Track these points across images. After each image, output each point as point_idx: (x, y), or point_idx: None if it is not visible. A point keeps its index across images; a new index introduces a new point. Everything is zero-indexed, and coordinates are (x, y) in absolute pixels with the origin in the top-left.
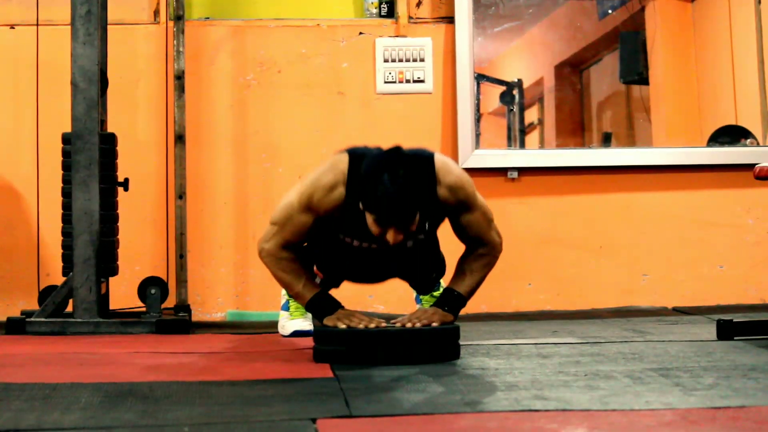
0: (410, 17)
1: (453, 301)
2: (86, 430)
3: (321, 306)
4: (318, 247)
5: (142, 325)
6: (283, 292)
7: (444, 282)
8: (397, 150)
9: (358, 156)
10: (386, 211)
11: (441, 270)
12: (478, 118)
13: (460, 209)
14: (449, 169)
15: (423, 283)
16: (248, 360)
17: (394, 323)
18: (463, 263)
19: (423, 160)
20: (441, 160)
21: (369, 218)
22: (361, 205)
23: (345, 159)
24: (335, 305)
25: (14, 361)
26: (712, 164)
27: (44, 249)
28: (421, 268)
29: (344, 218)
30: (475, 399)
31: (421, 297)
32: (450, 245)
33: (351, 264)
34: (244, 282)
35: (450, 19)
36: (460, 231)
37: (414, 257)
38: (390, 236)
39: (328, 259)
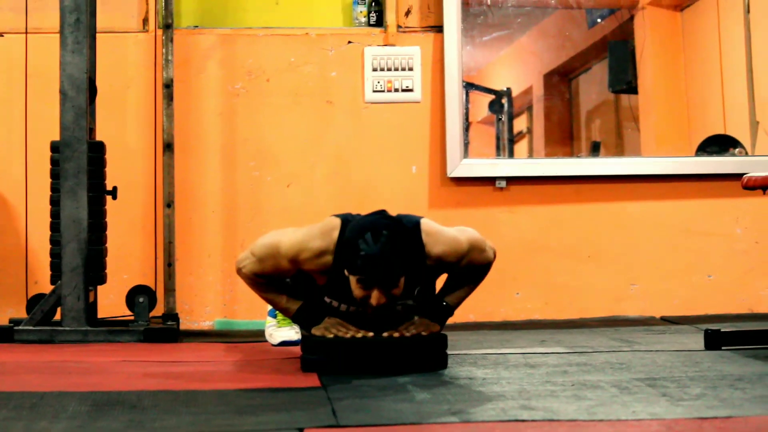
0: (399, 26)
1: (441, 311)
2: None
3: (307, 317)
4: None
5: (130, 333)
6: None
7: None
8: (381, 212)
9: (347, 222)
10: (368, 270)
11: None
12: (466, 127)
13: (453, 265)
14: (436, 237)
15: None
16: (236, 369)
17: (382, 332)
18: (454, 273)
19: (409, 227)
20: (427, 228)
21: (353, 282)
22: (345, 271)
23: (338, 226)
24: (321, 314)
25: (2, 369)
26: (700, 174)
27: (32, 257)
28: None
29: (330, 284)
30: (462, 409)
31: None
32: None
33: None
34: (232, 291)
35: (439, 28)
36: (456, 271)
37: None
38: (374, 298)
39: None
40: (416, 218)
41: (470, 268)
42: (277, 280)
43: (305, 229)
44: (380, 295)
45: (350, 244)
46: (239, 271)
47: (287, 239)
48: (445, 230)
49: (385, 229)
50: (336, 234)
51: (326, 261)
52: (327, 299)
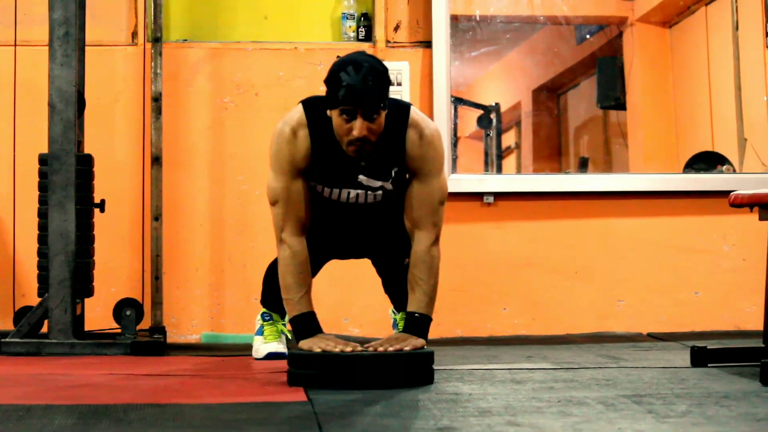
0: (388, 41)
1: (418, 323)
2: None
3: (304, 325)
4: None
5: (117, 346)
6: (258, 317)
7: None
8: (361, 51)
9: (311, 101)
10: (350, 94)
11: (408, 247)
12: (454, 142)
13: (420, 167)
14: (425, 119)
15: (392, 266)
16: (223, 383)
17: (368, 347)
18: (409, 280)
19: (399, 102)
20: (418, 111)
21: (335, 118)
22: (328, 112)
23: (299, 107)
24: (316, 329)
25: None
26: (688, 191)
27: (20, 269)
28: (389, 237)
29: (314, 163)
30: (448, 424)
31: (397, 321)
32: None
33: (324, 224)
34: (219, 304)
35: (427, 44)
36: (410, 201)
37: (384, 219)
38: (356, 128)
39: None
40: (408, 102)
41: (419, 209)
42: (308, 268)
43: (273, 139)
44: (363, 124)
45: (331, 78)
46: (282, 242)
47: (271, 163)
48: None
49: (366, 62)
50: (300, 110)
51: (304, 136)
52: (313, 184)
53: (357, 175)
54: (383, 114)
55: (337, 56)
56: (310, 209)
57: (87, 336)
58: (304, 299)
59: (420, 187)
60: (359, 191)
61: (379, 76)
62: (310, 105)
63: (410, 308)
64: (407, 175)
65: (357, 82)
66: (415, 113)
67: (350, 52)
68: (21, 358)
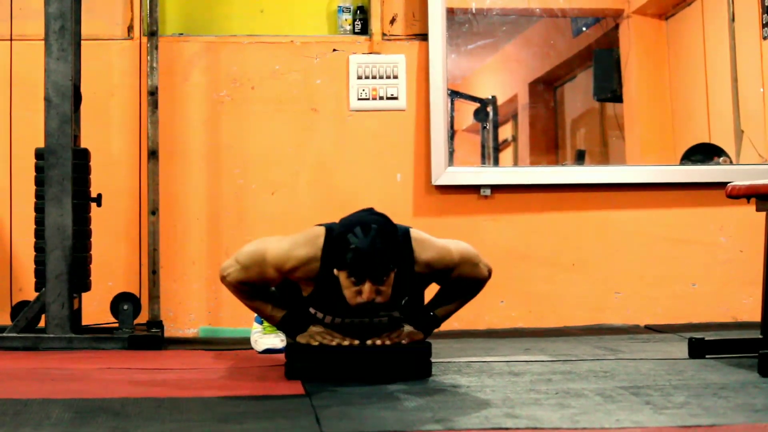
0: (384, 34)
1: (428, 321)
2: None
3: (292, 325)
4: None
5: (115, 340)
6: None
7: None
8: (369, 209)
9: (335, 236)
10: (358, 262)
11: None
12: (451, 135)
13: (443, 274)
14: (425, 245)
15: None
16: (220, 376)
17: (366, 340)
18: (447, 286)
19: (399, 229)
20: (417, 236)
21: (343, 279)
22: (335, 271)
23: (322, 234)
24: (306, 323)
25: None
26: (685, 182)
27: (17, 264)
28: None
29: (316, 293)
30: (446, 416)
31: None
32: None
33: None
34: (216, 298)
35: (423, 36)
36: (451, 283)
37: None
38: (364, 292)
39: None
40: (406, 227)
41: (461, 281)
42: (261, 288)
43: (290, 238)
44: (371, 289)
45: (340, 239)
46: (223, 279)
47: (273, 248)
48: (436, 239)
49: (374, 224)
50: (321, 241)
51: (313, 268)
52: (312, 310)
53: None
54: (392, 275)
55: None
56: (264, 287)
57: (84, 330)
58: (276, 307)
59: (455, 274)
60: (364, 319)
61: (388, 238)
62: (331, 241)
63: (432, 306)
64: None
65: (365, 246)
66: (416, 245)
67: (357, 211)
68: (18, 352)
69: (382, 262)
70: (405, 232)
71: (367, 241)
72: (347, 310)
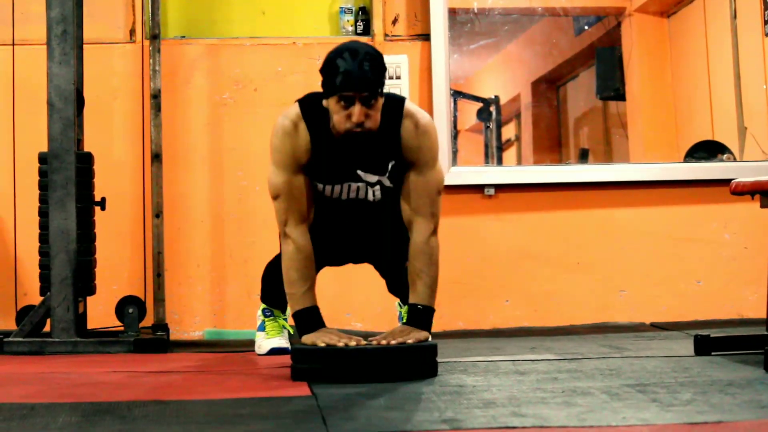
0: (386, 35)
1: (420, 315)
2: None
3: (308, 319)
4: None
5: (120, 344)
6: (259, 312)
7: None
8: (355, 40)
9: (306, 98)
10: (348, 79)
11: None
12: (454, 135)
13: (416, 158)
14: (419, 110)
15: (395, 269)
16: (226, 379)
17: (371, 341)
18: (410, 273)
19: (394, 95)
20: (412, 103)
21: (332, 105)
22: (324, 102)
23: (294, 104)
24: (319, 323)
25: None
26: (689, 180)
27: (21, 268)
28: (389, 237)
29: (313, 159)
30: (452, 416)
31: (402, 314)
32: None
33: (324, 228)
34: (221, 300)
35: (426, 37)
36: (407, 192)
37: (382, 218)
38: (354, 114)
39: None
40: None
41: (416, 200)
42: (312, 264)
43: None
44: (361, 110)
45: (328, 66)
46: (286, 237)
47: (272, 155)
48: None
49: (361, 49)
50: (296, 107)
51: (302, 131)
52: (314, 183)
53: (355, 169)
54: (380, 101)
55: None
56: (312, 204)
57: (89, 334)
58: (308, 294)
59: (417, 178)
60: (359, 184)
61: (376, 61)
62: (306, 102)
63: (412, 300)
64: (404, 168)
65: (354, 67)
66: (410, 104)
67: (344, 41)
68: (24, 357)
69: (371, 80)
70: (401, 98)
71: (355, 63)
72: (345, 173)
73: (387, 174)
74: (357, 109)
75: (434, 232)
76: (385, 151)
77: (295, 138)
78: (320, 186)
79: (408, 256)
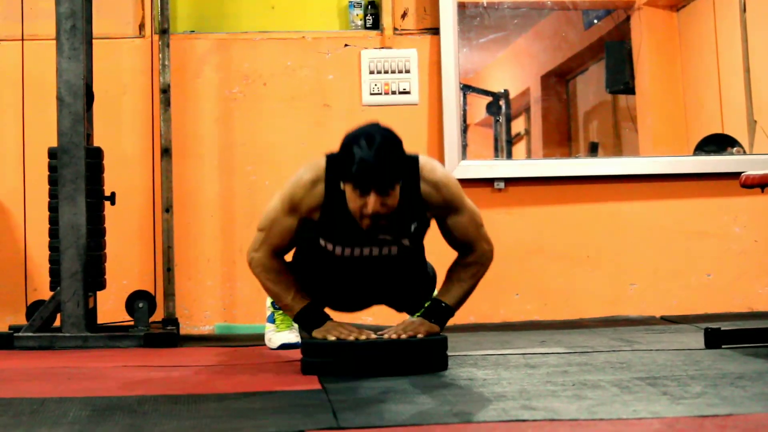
0: (395, 29)
1: (440, 312)
2: None
3: (309, 318)
4: (301, 262)
5: (130, 338)
6: (268, 304)
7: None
8: (375, 123)
9: (335, 158)
10: (363, 173)
11: (431, 288)
12: (464, 129)
13: (446, 210)
14: (434, 166)
15: (410, 305)
16: (236, 373)
17: (382, 334)
18: (451, 273)
19: (408, 155)
20: (426, 158)
21: (348, 192)
22: (341, 185)
23: (322, 159)
24: (324, 317)
25: (2, 376)
26: (698, 173)
27: (31, 263)
28: (407, 286)
29: (325, 220)
30: (463, 410)
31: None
32: (441, 254)
33: (333, 280)
34: (231, 295)
35: (435, 31)
36: (448, 235)
37: (399, 271)
38: (369, 205)
39: (311, 275)
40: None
41: (461, 238)
42: (287, 272)
43: (291, 177)
44: (376, 200)
45: (344, 152)
46: (252, 259)
47: (279, 196)
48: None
49: (379, 136)
50: (323, 163)
51: (319, 191)
52: (322, 242)
53: (374, 236)
54: (398, 188)
55: (347, 133)
56: (288, 245)
57: (100, 329)
58: (297, 297)
59: (455, 221)
60: (374, 247)
61: (393, 149)
62: (333, 163)
63: (441, 296)
64: (437, 219)
65: (370, 157)
66: (424, 163)
67: (363, 124)
68: (34, 352)
69: (387, 172)
70: (414, 156)
71: (371, 152)
72: (357, 237)
73: (408, 236)
74: (372, 200)
75: (490, 254)
76: (406, 216)
77: (309, 196)
78: (329, 245)
79: (425, 297)
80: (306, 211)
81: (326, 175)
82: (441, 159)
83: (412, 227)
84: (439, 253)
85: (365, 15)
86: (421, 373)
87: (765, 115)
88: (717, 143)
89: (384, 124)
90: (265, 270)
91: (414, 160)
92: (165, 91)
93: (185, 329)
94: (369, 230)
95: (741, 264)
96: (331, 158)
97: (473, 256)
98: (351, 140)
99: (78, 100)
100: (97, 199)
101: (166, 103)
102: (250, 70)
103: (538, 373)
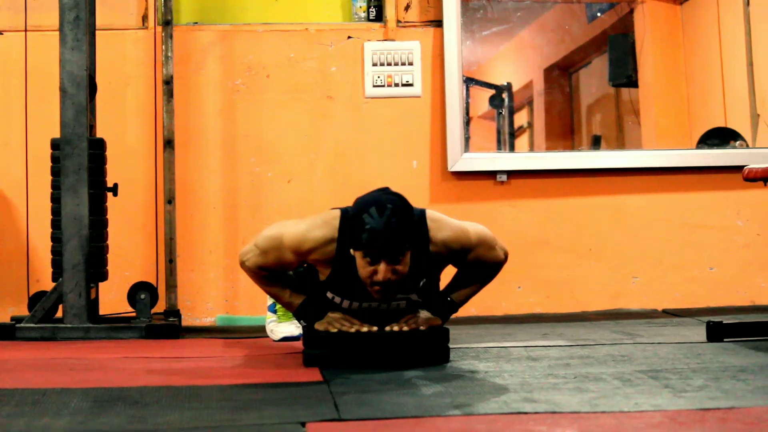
0: (398, 21)
1: (445, 306)
2: None
3: (310, 311)
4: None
5: (132, 330)
6: None
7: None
8: (384, 189)
9: (348, 218)
10: (374, 241)
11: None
12: (467, 122)
13: (459, 256)
14: (441, 225)
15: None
16: (238, 364)
17: (383, 326)
18: (462, 270)
19: (415, 210)
20: (433, 216)
21: (358, 259)
22: (351, 251)
23: (338, 216)
24: (324, 310)
25: (4, 366)
26: (701, 166)
27: (34, 255)
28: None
29: (333, 276)
30: (464, 402)
31: None
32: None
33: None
34: (233, 287)
35: (438, 23)
36: (467, 266)
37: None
38: (380, 273)
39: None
40: (422, 209)
41: (478, 264)
42: (280, 273)
43: (308, 220)
44: (387, 268)
45: (355, 219)
46: (242, 264)
47: (290, 231)
48: (453, 220)
49: (389, 203)
50: (337, 222)
51: (329, 250)
52: (329, 295)
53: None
54: (408, 255)
55: (355, 200)
56: (282, 272)
57: (102, 320)
58: (294, 294)
59: (471, 257)
60: (382, 303)
61: (403, 217)
62: (346, 224)
63: (448, 291)
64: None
65: (380, 225)
66: (431, 221)
67: (373, 191)
68: (36, 343)
69: (397, 241)
70: (421, 213)
71: (382, 221)
72: (365, 294)
73: (417, 292)
74: (382, 268)
75: (505, 260)
76: (415, 274)
77: (319, 252)
78: (336, 299)
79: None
80: (311, 261)
81: (339, 235)
82: (443, 151)
83: (421, 284)
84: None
85: (368, 7)
86: (422, 366)
87: None
88: (720, 137)
89: (394, 190)
90: (256, 276)
91: (422, 220)
92: (168, 82)
93: (187, 321)
94: (379, 296)
95: (743, 257)
96: (345, 218)
97: (488, 263)
98: (362, 207)
99: (81, 92)
100: (99, 190)
101: (169, 94)
102: (253, 61)
103: (539, 366)
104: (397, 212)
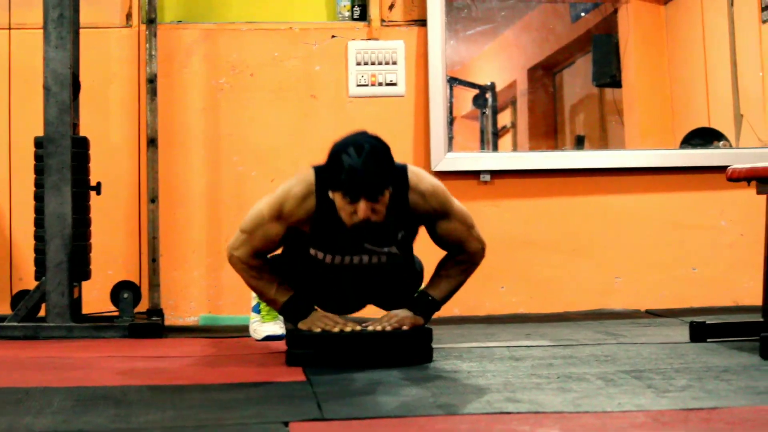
0: (382, 20)
1: (426, 305)
2: None
3: (294, 310)
4: (289, 266)
5: (115, 329)
6: (253, 294)
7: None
8: (363, 131)
9: (323, 169)
10: (353, 180)
11: (418, 284)
12: (450, 121)
13: (435, 217)
14: (421, 176)
15: (398, 305)
16: (221, 364)
17: (366, 326)
18: (441, 267)
19: (396, 165)
20: (414, 168)
21: (338, 201)
22: (330, 194)
23: (311, 172)
24: (309, 308)
25: None
26: (685, 166)
27: (17, 253)
28: (396, 289)
29: (315, 231)
30: (447, 402)
31: None
32: (430, 249)
33: (323, 285)
34: (216, 286)
35: (422, 22)
36: (438, 240)
37: (388, 276)
38: (360, 211)
39: (300, 280)
40: (404, 163)
41: (454, 248)
42: (268, 264)
43: (282, 186)
44: (367, 206)
45: (332, 162)
46: (231, 257)
47: (267, 202)
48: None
49: (367, 143)
50: (312, 177)
51: (310, 204)
52: (312, 251)
53: (362, 243)
54: (387, 193)
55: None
56: (271, 249)
57: (84, 319)
58: (280, 290)
59: (444, 227)
60: (363, 256)
61: (382, 156)
62: (322, 173)
63: (428, 289)
64: (426, 227)
65: (358, 164)
66: (412, 173)
67: (350, 133)
68: (19, 342)
69: (376, 179)
70: (403, 165)
71: (360, 160)
72: (347, 246)
73: (396, 244)
74: (362, 206)
75: (482, 252)
76: (394, 224)
77: (299, 209)
78: (319, 254)
79: (415, 289)
80: (294, 222)
81: (316, 188)
82: (427, 151)
83: (399, 235)
84: (428, 248)
85: (353, 6)
86: (405, 365)
87: (751, 108)
88: (704, 137)
89: (372, 132)
90: (245, 268)
91: (402, 170)
92: (152, 81)
93: (170, 320)
94: (359, 235)
95: (727, 258)
96: (318, 170)
97: (465, 254)
98: (339, 149)
99: (64, 90)
100: (82, 188)
101: (153, 93)
102: (237, 60)
103: (522, 366)
104: (376, 151)
